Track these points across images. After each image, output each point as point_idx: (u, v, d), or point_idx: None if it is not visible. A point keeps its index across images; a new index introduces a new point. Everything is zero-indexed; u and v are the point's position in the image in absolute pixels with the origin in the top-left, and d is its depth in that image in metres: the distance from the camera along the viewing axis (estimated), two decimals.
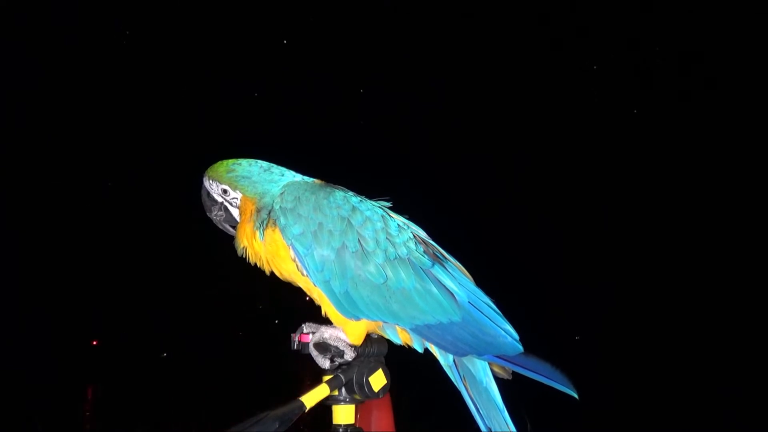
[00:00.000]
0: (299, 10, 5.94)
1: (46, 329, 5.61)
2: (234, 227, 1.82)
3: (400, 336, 1.75)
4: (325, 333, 1.66)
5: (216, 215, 1.82)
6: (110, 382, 5.79)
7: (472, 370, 1.78)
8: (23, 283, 5.55)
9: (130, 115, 5.79)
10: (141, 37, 5.72)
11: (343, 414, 1.63)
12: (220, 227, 1.85)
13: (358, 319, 1.66)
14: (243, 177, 1.75)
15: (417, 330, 1.69)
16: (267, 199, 1.70)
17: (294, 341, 1.67)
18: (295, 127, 5.73)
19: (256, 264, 1.75)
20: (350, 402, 1.62)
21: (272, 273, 1.74)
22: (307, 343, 1.65)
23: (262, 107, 5.94)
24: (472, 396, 1.77)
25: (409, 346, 1.77)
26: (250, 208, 1.73)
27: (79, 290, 5.67)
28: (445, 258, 1.78)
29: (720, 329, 5.32)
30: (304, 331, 1.68)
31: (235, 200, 1.77)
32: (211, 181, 1.79)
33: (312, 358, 1.65)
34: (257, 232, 1.68)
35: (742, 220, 5.55)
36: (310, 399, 1.49)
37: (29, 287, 5.57)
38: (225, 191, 1.77)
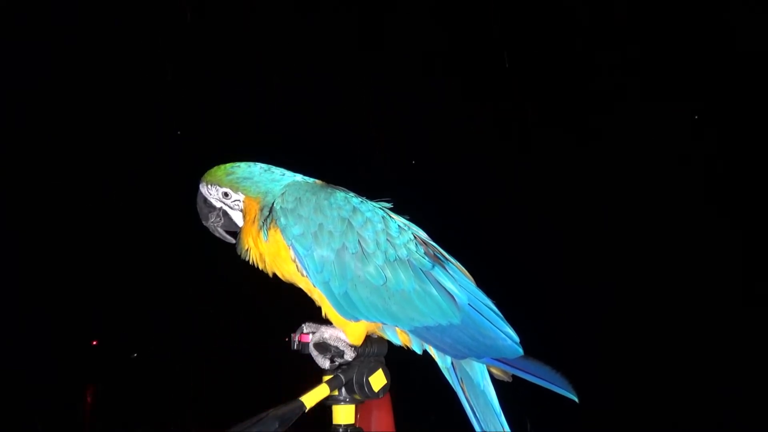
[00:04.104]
0: (297, 10, 5.94)
1: (46, 329, 5.61)
2: (231, 234, 1.81)
3: (399, 337, 1.75)
4: (325, 333, 1.67)
5: (213, 222, 1.80)
6: (110, 382, 5.79)
7: (470, 373, 1.78)
8: (23, 283, 5.55)
9: (129, 115, 5.79)
10: (140, 37, 5.72)
11: (343, 414, 1.63)
12: (217, 235, 1.83)
13: (357, 320, 1.66)
14: (244, 178, 1.74)
15: (416, 332, 1.69)
16: (269, 198, 1.70)
17: (294, 341, 1.67)
18: (295, 129, 5.73)
19: (257, 265, 1.75)
20: (350, 402, 1.63)
21: (275, 275, 1.74)
22: (307, 343, 1.65)
23: (261, 108, 5.94)
24: (469, 399, 1.76)
25: (408, 347, 1.77)
26: (255, 208, 1.72)
27: (79, 290, 5.68)
28: (446, 259, 1.78)
29: (720, 329, 5.33)
30: (304, 331, 1.68)
31: (237, 203, 1.76)
32: (209, 186, 1.77)
33: (312, 358, 1.65)
34: (261, 232, 1.67)
35: (742, 221, 5.55)
36: (310, 399, 1.49)
37: (29, 287, 5.57)
38: (226, 194, 1.75)
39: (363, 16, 5.99)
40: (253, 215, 1.71)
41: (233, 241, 1.81)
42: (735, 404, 5.00)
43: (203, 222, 1.82)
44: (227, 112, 5.80)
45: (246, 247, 1.73)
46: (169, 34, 5.81)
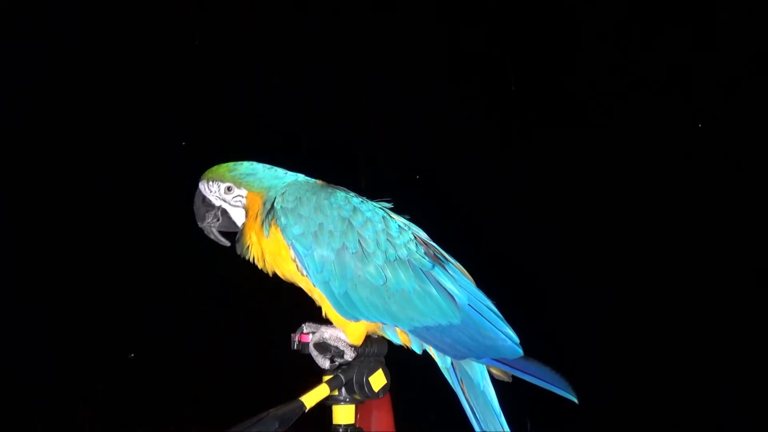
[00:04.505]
0: (297, 10, 5.95)
1: (46, 329, 5.61)
2: (226, 237, 1.82)
3: (399, 337, 1.75)
4: (325, 333, 1.67)
5: (209, 223, 1.79)
6: (110, 382, 5.79)
7: (470, 373, 1.79)
8: (23, 283, 5.55)
9: (129, 115, 5.79)
10: (139, 37, 5.73)
11: (343, 414, 1.63)
12: (212, 237, 1.82)
13: (357, 320, 1.66)
14: (248, 174, 1.76)
15: (415, 332, 1.69)
16: (272, 194, 1.71)
17: (294, 341, 1.68)
18: (295, 129, 5.74)
19: (257, 265, 1.75)
20: (350, 402, 1.63)
21: (274, 274, 1.74)
22: (307, 343, 1.66)
23: (261, 108, 5.95)
24: (469, 399, 1.77)
25: (408, 347, 1.78)
26: (258, 203, 1.72)
27: (79, 290, 5.68)
28: (446, 260, 1.79)
29: (720, 329, 5.33)
30: (304, 331, 1.69)
31: (239, 198, 1.76)
32: (210, 183, 1.77)
33: (312, 358, 1.66)
34: (264, 228, 1.67)
35: (743, 219, 5.55)
36: (310, 399, 1.49)
37: (29, 287, 5.57)
38: (229, 189, 1.76)
39: (363, 16, 6.00)
40: (256, 210, 1.72)
41: (228, 243, 1.81)
42: (735, 404, 5.01)
43: (199, 223, 1.82)
44: (227, 113, 5.80)
45: (247, 244, 1.73)
46: (168, 34, 5.81)
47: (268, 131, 5.48)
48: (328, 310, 1.69)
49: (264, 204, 1.70)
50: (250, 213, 1.74)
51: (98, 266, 5.70)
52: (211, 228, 1.79)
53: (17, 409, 5.37)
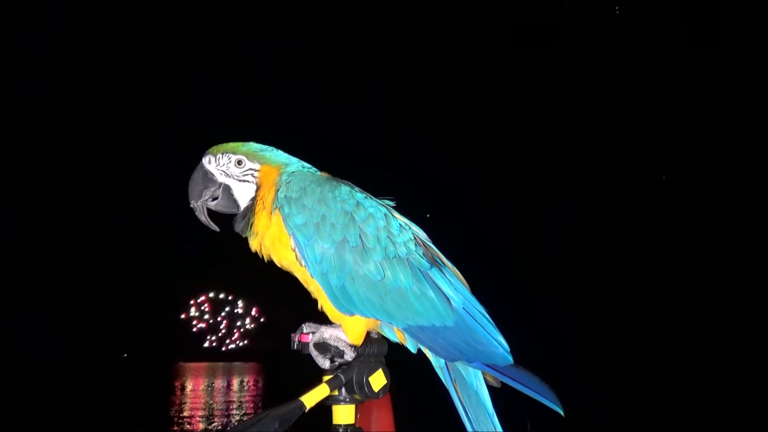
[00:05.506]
0: (298, 9, 5.95)
1: (46, 329, 5.62)
2: (217, 223, 1.77)
3: (396, 334, 1.75)
4: (325, 333, 1.66)
5: (203, 202, 1.74)
6: (109, 382, 5.79)
7: (463, 373, 1.78)
8: (23, 283, 5.56)
9: (128, 117, 5.80)
10: (139, 37, 5.72)
11: (343, 414, 1.63)
12: (202, 219, 1.76)
13: (352, 314, 1.66)
14: (262, 149, 1.77)
15: (409, 331, 1.69)
16: (291, 168, 1.73)
17: (294, 341, 1.67)
18: (297, 129, 5.74)
19: (253, 247, 1.73)
20: (350, 402, 1.63)
21: (270, 261, 1.73)
22: (307, 343, 1.65)
23: (266, 107, 5.95)
24: (462, 398, 1.77)
25: (403, 344, 1.78)
26: (274, 175, 1.71)
27: (79, 291, 5.68)
28: (443, 263, 1.78)
29: (716, 337, 5.34)
30: (304, 331, 1.68)
31: (250, 173, 1.75)
32: (219, 157, 1.75)
33: (312, 358, 1.65)
34: (275, 202, 1.65)
35: (739, 228, 5.56)
36: (310, 399, 1.49)
37: (29, 288, 5.58)
38: (239, 162, 1.74)
39: (366, 17, 6.00)
40: (271, 181, 1.70)
41: (217, 229, 1.77)
42: (733, 410, 5.02)
43: (192, 202, 1.75)
44: (227, 112, 5.80)
45: (255, 219, 1.69)
46: (168, 33, 5.81)
47: (268, 131, 5.48)
48: (324, 303, 1.68)
49: (281, 175, 1.70)
50: (264, 186, 1.71)
51: (99, 268, 5.71)
52: (204, 208, 1.74)
53: (17, 409, 5.37)
